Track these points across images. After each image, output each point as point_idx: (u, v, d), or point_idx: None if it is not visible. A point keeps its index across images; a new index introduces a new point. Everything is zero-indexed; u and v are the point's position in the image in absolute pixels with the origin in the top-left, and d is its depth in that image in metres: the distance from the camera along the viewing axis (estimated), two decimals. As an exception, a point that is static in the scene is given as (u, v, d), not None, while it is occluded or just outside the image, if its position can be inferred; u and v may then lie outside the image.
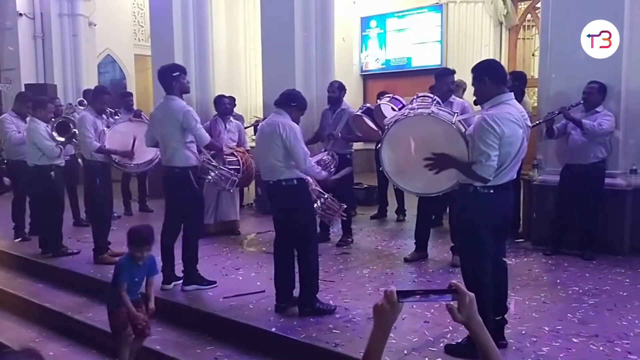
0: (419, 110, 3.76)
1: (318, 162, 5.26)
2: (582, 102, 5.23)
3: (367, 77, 13.01)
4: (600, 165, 5.27)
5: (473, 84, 3.41)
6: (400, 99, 5.05)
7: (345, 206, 5.07)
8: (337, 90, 6.22)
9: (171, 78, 4.61)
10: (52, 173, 5.79)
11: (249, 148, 7.04)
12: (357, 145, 8.64)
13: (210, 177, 5.48)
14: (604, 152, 5.25)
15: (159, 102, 4.78)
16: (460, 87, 6.60)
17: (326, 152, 5.66)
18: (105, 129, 5.67)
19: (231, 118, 6.89)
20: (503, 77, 3.38)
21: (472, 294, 1.37)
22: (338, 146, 5.94)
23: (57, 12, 11.52)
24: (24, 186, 6.25)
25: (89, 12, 11.96)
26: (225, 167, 5.66)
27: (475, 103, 3.51)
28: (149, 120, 4.88)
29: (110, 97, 5.89)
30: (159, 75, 4.68)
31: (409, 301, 1.38)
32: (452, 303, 1.37)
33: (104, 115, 5.87)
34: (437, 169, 3.36)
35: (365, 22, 12.82)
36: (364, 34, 12.88)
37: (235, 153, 6.25)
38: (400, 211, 7.34)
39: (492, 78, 3.25)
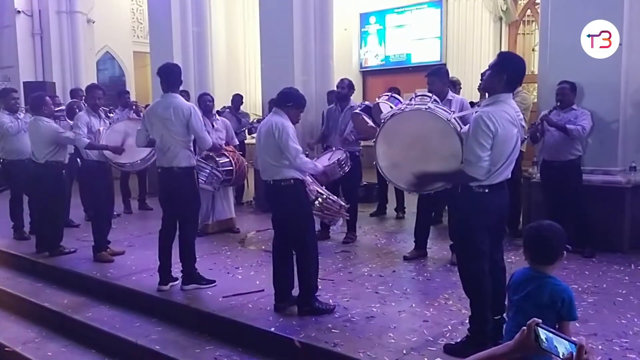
0: (416, 106, 3.75)
1: (336, 162, 5.27)
2: (557, 104, 5.30)
3: (367, 74, 12.99)
4: (577, 162, 5.34)
5: (491, 69, 3.25)
6: (400, 98, 5.03)
7: (348, 206, 4.99)
8: (346, 87, 6.14)
9: (179, 75, 4.61)
10: (64, 171, 5.77)
11: (237, 143, 7.05)
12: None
13: (203, 179, 5.45)
14: (580, 150, 5.32)
15: (156, 100, 4.68)
16: (455, 85, 6.59)
17: (342, 151, 5.66)
18: (101, 128, 5.62)
19: (217, 116, 6.87)
20: (518, 82, 3.31)
21: None
22: (348, 144, 5.92)
23: (55, 9, 11.49)
24: (29, 185, 6.03)
25: (87, 9, 11.92)
26: (217, 168, 5.66)
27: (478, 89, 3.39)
28: (144, 118, 4.75)
29: (102, 92, 5.81)
30: (166, 71, 4.59)
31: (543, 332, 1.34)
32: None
33: (100, 114, 5.82)
34: (423, 189, 3.37)
35: (364, 18, 12.79)
36: (363, 30, 12.86)
37: (226, 153, 6.25)
38: (400, 209, 7.33)
39: (510, 77, 3.15)
